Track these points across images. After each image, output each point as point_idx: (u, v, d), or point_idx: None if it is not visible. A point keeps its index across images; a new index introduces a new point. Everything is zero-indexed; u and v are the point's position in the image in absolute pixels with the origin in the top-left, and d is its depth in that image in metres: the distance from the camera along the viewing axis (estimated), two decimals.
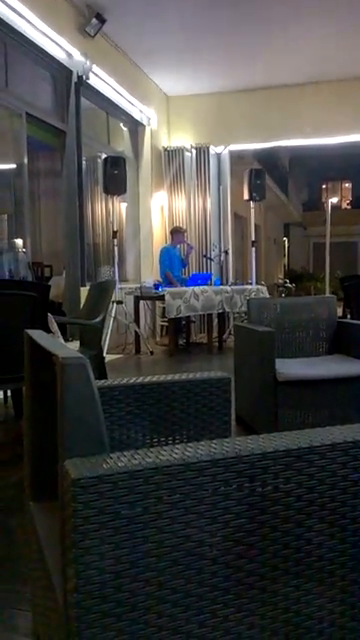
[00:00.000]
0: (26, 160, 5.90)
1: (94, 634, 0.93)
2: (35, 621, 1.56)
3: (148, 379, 1.72)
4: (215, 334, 7.47)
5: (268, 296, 7.74)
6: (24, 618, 1.65)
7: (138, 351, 6.98)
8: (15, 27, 5.39)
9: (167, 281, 7.53)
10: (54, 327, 2.91)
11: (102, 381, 1.71)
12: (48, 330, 2.86)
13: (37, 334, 1.37)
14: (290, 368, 3.25)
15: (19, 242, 5.89)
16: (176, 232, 7.96)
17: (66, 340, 3.87)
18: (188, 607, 0.99)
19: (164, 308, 6.95)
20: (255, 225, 8.87)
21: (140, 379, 1.72)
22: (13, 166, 6.01)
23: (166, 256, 7.76)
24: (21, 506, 2.32)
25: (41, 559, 1.24)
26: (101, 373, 3.53)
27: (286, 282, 13.51)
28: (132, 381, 1.71)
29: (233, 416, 3.45)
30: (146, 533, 0.95)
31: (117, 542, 0.93)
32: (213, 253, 9.04)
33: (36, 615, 1.55)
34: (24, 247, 5.92)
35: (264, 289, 7.89)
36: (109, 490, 0.92)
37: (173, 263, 7.74)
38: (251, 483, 1.02)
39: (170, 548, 0.97)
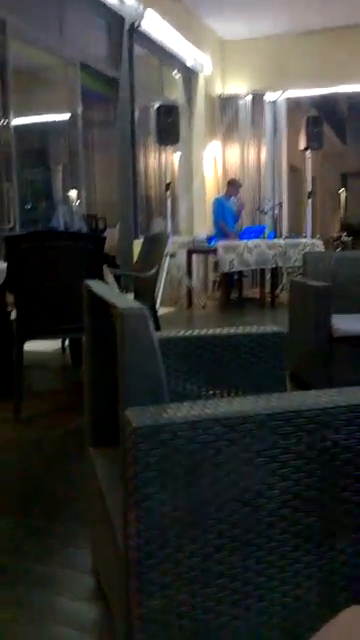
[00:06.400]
0: (80, 110, 5.85)
1: (153, 577, 0.96)
2: (94, 560, 1.63)
3: (203, 332, 1.72)
4: (268, 289, 7.38)
5: (323, 250, 7.54)
6: (83, 556, 1.72)
7: (190, 305, 6.99)
8: None
9: (220, 232, 7.43)
10: (110, 279, 2.93)
11: (158, 333, 1.72)
12: (104, 281, 2.88)
13: (96, 285, 1.38)
14: (347, 324, 3.18)
15: (73, 194, 5.91)
16: (232, 184, 7.80)
17: (120, 292, 3.91)
18: (246, 556, 1.00)
19: (216, 262, 6.89)
20: (312, 176, 8.57)
21: (196, 332, 1.72)
22: (67, 116, 5.98)
23: (219, 208, 7.64)
24: (79, 451, 2.40)
25: (102, 503, 1.28)
26: (154, 325, 3.56)
27: (341, 236, 13.10)
28: (188, 333, 1.71)
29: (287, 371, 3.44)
30: (205, 482, 0.96)
31: (177, 489, 0.95)
32: (267, 206, 8.83)
33: (95, 554, 1.62)
34: (79, 199, 5.94)
35: (319, 243, 7.69)
36: (169, 439, 0.93)
37: (226, 215, 7.62)
38: (310, 437, 1.01)
39: (228, 498, 0.98)
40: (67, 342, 4.20)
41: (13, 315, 2.97)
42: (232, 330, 1.75)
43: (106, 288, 1.36)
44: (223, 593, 0.99)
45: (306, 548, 1.03)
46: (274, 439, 1.00)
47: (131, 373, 0.99)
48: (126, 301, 1.07)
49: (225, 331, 1.75)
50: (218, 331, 1.74)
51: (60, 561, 1.73)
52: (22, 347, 2.86)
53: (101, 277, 2.83)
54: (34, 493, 2.21)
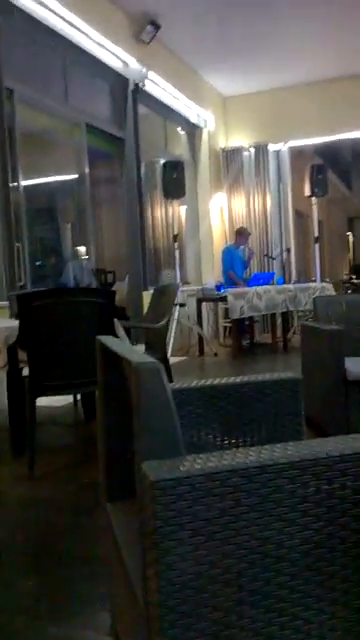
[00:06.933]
0: (87, 169, 6.04)
1: (176, 634, 0.94)
2: (114, 620, 1.59)
3: (217, 381, 1.72)
4: (279, 333, 7.39)
5: (334, 293, 7.58)
6: (102, 617, 1.68)
7: (202, 353, 7.00)
8: (73, 41, 5.54)
9: (229, 281, 7.51)
10: (121, 332, 2.96)
11: (171, 384, 1.73)
12: (115, 335, 2.91)
13: (108, 340, 1.40)
14: None
15: (82, 249, 6.04)
16: (241, 234, 7.93)
17: (131, 344, 3.94)
18: (268, 609, 0.98)
19: (226, 309, 6.94)
20: (318, 221, 8.71)
21: (209, 381, 1.72)
22: (75, 176, 6.17)
23: (228, 256, 7.75)
24: (94, 506, 2.37)
25: (119, 559, 1.26)
26: (166, 376, 3.56)
27: (352, 278, 13.17)
28: (201, 383, 1.71)
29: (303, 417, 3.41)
30: (224, 535, 0.96)
31: (196, 543, 0.94)
32: (275, 252, 8.94)
33: (114, 614, 1.58)
34: (87, 254, 6.06)
35: (329, 286, 7.73)
36: (187, 492, 0.93)
37: (235, 263, 7.72)
38: (329, 486, 1.00)
39: (248, 550, 0.97)
40: (79, 396, 4.20)
41: (25, 372, 2.99)
42: (246, 378, 1.75)
43: (118, 342, 1.38)
44: None
45: (330, 598, 1.01)
46: (293, 488, 0.99)
47: (147, 428, 1.00)
48: (139, 356, 1.09)
49: (239, 379, 1.75)
50: (232, 380, 1.75)
51: (77, 622, 1.69)
52: (34, 404, 2.87)
53: (112, 331, 2.86)
54: (49, 551, 2.17)
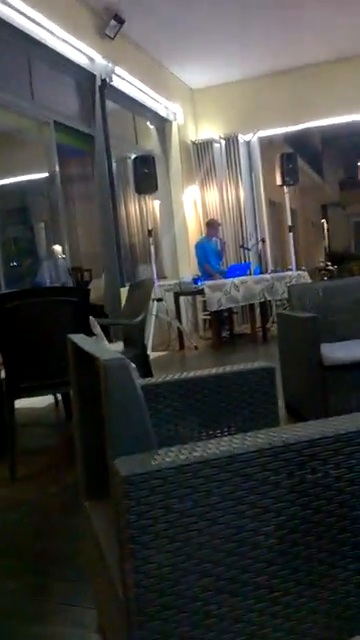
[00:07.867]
0: (58, 167, 5.99)
1: (155, 626, 0.95)
2: (100, 617, 1.60)
3: (192, 374, 1.73)
4: (258, 323, 7.43)
5: (309, 281, 7.63)
6: (90, 614, 1.69)
7: (182, 347, 7.01)
8: (37, 38, 5.47)
9: (206, 274, 7.52)
10: (97, 330, 2.94)
11: (146, 379, 1.73)
12: (91, 333, 2.89)
13: (79, 338, 1.40)
14: (336, 352, 3.20)
15: (58, 248, 6.00)
16: (210, 225, 7.94)
17: (110, 341, 3.92)
18: (247, 596, 1.00)
19: (205, 302, 6.95)
20: (291, 209, 8.74)
21: (184, 375, 1.73)
22: (46, 174, 6.11)
23: (201, 250, 7.75)
24: (77, 506, 2.37)
25: (100, 556, 1.27)
26: (146, 371, 3.56)
27: (327, 265, 13.28)
28: (177, 377, 1.72)
29: (283, 405, 3.44)
30: (199, 526, 0.96)
31: (172, 536, 0.95)
32: (250, 242, 8.97)
33: (100, 611, 1.59)
34: (63, 253, 6.02)
35: (305, 274, 7.79)
36: (159, 485, 0.93)
37: (209, 255, 7.73)
38: (301, 471, 1.02)
39: (224, 539, 0.98)
40: (60, 396, 4.19)
41: (2, 374, 2.97)
42: (220, 370, 1.76)
43: (89, 341, 1.38)
44: (226, 636, 0.97)
45: (308, 581, 1.02)
46: (265, 475, 1.00)
47: (117, 423, 1.00)
48: (108, 352, 1.09)
49: (213, 371, 1.76)
50: (207, 372, 1.76)
51: (63, 620, 1.69)
52: (13, 406, 2.85)
53: (88, 329, 2.84)
54: (33, 552, 2.17)
